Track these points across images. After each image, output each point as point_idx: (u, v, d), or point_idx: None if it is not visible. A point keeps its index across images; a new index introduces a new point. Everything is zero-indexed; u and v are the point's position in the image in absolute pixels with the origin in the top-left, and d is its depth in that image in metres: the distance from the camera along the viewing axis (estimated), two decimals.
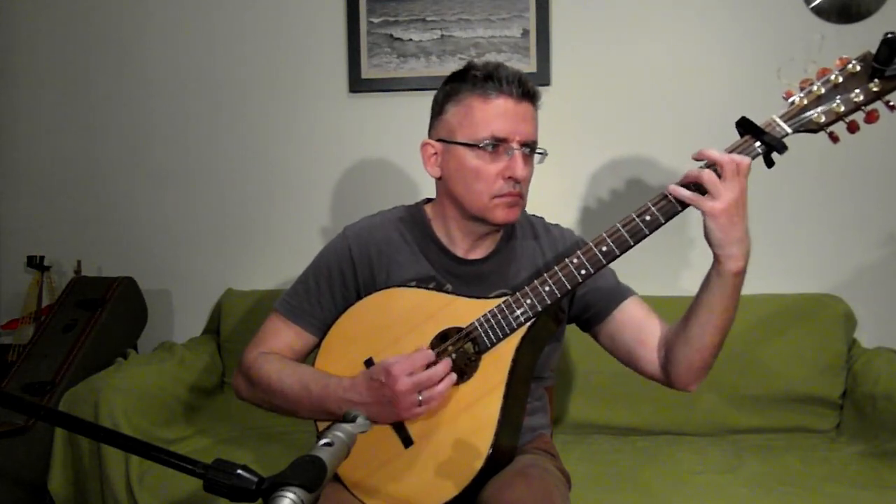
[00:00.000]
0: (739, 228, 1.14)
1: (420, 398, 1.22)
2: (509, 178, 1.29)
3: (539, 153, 1.34)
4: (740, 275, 1.18)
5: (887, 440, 1.88)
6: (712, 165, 1.15)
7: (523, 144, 1.30)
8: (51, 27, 2.53)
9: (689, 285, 2.27)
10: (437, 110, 1.37)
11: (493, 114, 1.28)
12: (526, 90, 1.30)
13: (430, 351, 1.26)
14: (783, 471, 1.80)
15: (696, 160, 1.17)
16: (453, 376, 1.25)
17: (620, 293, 1.39)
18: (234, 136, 2.48)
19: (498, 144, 1.29)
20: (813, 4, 2.24)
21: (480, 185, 1.30)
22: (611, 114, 2.34)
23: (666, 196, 1.18)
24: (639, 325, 1.36)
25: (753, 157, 1.16)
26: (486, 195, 1.30)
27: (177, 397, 2.10)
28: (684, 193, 1.16)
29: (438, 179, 1.39)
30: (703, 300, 1.22)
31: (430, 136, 1.39)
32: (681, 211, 1.18)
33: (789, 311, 2.14)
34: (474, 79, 1.30)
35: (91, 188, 2.55)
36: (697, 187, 1.15)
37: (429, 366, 1.24)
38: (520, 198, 1.32)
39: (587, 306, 1.40)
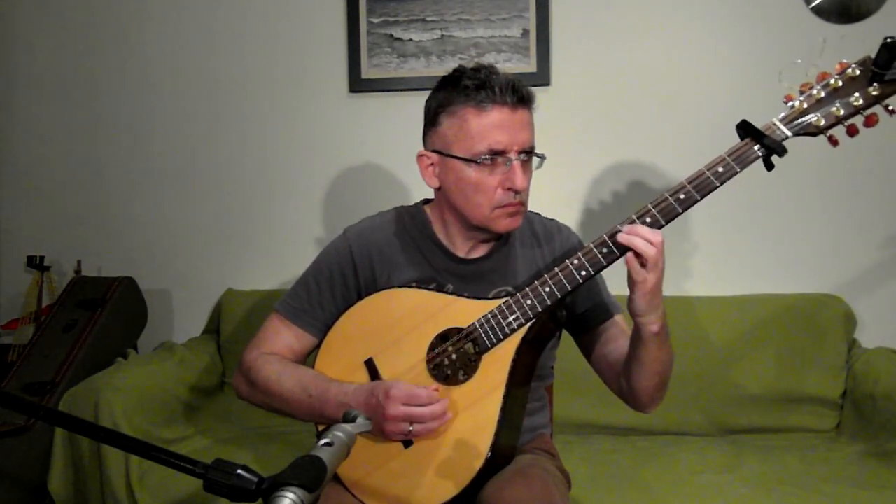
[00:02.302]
0: (658, 298, 1.19)
1: (410, 429, 1.23)
2: (509, 189, 1.28)
3: (537, 157, 1.33)
4: (660, 334, 1.21)
5: (887, 440, 1.88)
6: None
7: (521, 151, 1.29)
8: (51, 28, 2.53)
9: (689, 286, 2.27)
10: (431, 119, 1.34)
11: (488, 126, 1.26)
12: (521, 96, 1.27)
13: (436, 392, 1.25)
14: (783, 471, 1.80)
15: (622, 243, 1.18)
16: (449, 415, 1.25)
17: (610, 309, 1.41)
18: (234, 136, 2.48)
19: (496, 157, 1.27)
20: (813, 4, 2.24)
21: (480, 198, 1.29)
22: (610, 114, 2.34)
23: (666, 198, 1.18)
24: (614, 345, 1.38)
25: (754, 160, 1.17)
26: (487, 207, 1.30)
27: (177, 397, 2.10)
28: (636, 244, 1.15)
29: (437, 189, 1.38)
30: (633, 355, 1.26)
31: (425, 145, 1.37)
32: (681, 213, 1.19)
33: (789, 311, 2.14)
34: (467, 89, 1.27)
35: (91, 188, 2.55)
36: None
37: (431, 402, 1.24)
38: (521, 206, 1.32)
39: (576, 315, 1.42)
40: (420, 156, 1.36)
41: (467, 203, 1.31)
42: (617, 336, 1.39)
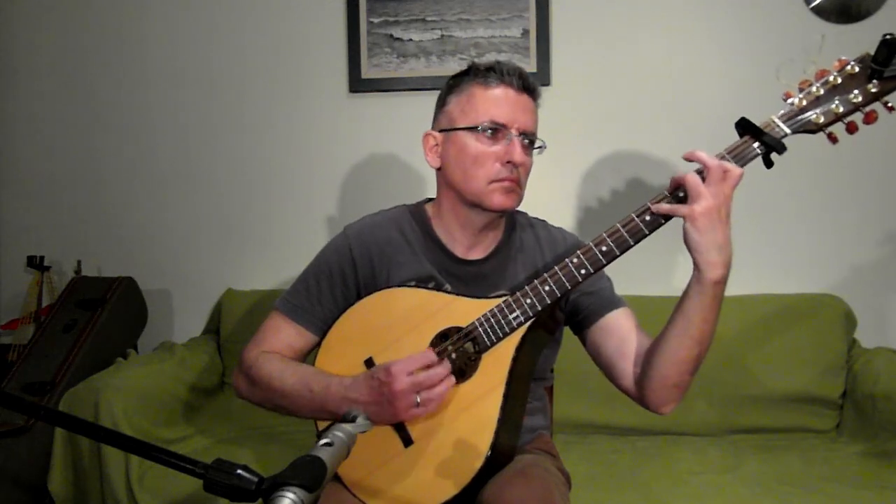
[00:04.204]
0: (720, 234, 1.12)
1: (419, 399, 1.22)
2: (508, 162, 1.30)
3: (538, 146, 1.36)
4: (720, 284, 1.15)
5: (887, 440, 1.88)
6: (701, 170, 1.14)
7: (522, 133, 1.32)
8: (51, 27, 2.53)
9: None
10: (440, 104, 1.40)
11: (493, 100, 1.32)
12: (526, 84, 1.34)
13: (432, 352, 1.26)
14: (783, 471, 1.80)
15: (687, 160, 1.16)
16: (453, 378, 1.24)
17: (612, 302, 1.37)
18: (234, 137, 2.48)
19: (497, 130, 1.31)
20: (813, 4, 2.24)
21: (478, 170, 1.31)
22: (611, 113, 2.34)
23: (666, 196, 1.18)
24: (623, 337, 1.32)
25: (753, 158, 1.16)
26: (484, 179, 1.31)
27: (177, 397, 2.10)
28: (664, 208, 1.15)
29: (438, 170, 1.40)
30: (681, 309, 1.19)
31: (432, 128, 1.42)
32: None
33: (789, 311, 2.14)
34: (477, 71, 1.34)
35: (91, 188, 2.55)
36: (682, 196, 1.15)
37: (430, 367, 1.23)
38: (517, 185, 1.33)
39: (577, 310, 1.39)
40: (426, 135, 1.40)
41: (465, 175, 1.33)
42: (629, 329, 1.33)
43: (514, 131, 1.31)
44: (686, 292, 1.19)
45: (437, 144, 1.39)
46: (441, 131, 1.38)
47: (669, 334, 1.21)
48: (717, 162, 1.13)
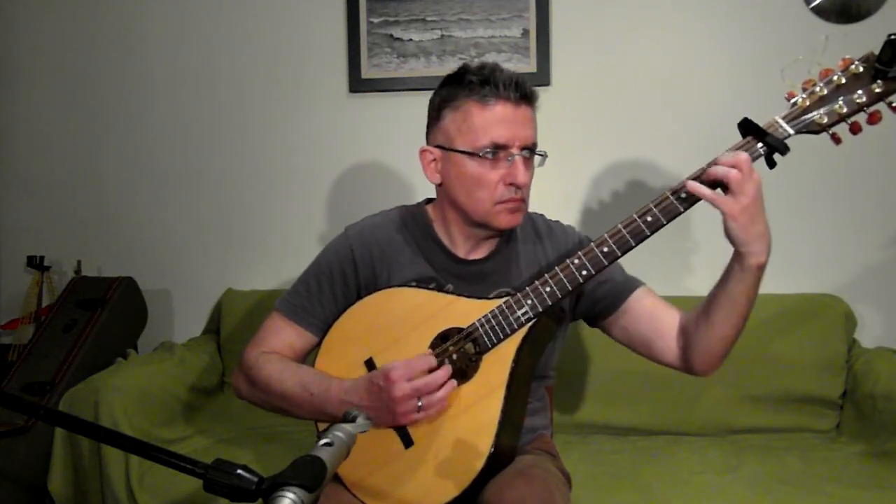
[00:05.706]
0: (760, 224, 1.14)
1: (419, 404, 1.22)
2: (511, 184, 1.29)
3: (539, 155, 1.34)
4: (762, 268, 1.17)
5: (887, 440, 1.88)
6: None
7: (523, 148, 1.30)
8: (51, 27, 2.53)
9: (691, 285, 2.26)
10: (434, 116, 1.36)
11: (492, 120, 1.27)
12: (524, 93, 1.29)
13: (433, 356, 1.25)
14: (783, 471, 1.80)
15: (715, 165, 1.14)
16: (453, 382, 1.24)
17: (630, 285, 1.39)
18: (234, 136, 2.48)
19: (498, 151, 1.28)
20: (813, 4, 2.24)
21: (482, 193, 1.30)
22: (611, 114, 2.33)
23: (667, 197, 1.18)
24: (653, 316, 1.35)
25: (755, 159, 1.15)
26: (489, 202, 1.30)
27: (177, 397, 2.10)
28: (704, 192, 1.14)
29: (439, 185, 1.38)
30: (726, 291, 1.22)
31: (427, 141, 1.38)
32: (682, 212, 1.18)
33: (789, 311, 2.14)
34: (471, 84, 1.29)
35: (91, 188, 2.55)
36: (714, 185, 1.14)
37: (431, 371, 1.23)
38: (522, 202, 1.32)
39: (596, 301, 1.39)
40: (422, 151, 1.37)
41: (469, 198, 1.31)
42: (655, 306, 1.36)
43: (515, 150, 1.28)
44: (728, 276, 1.21)
45: (435, 160, 1.35)
46: (438, 147, 1.34)
47: (715, 315, 1.24)
48: (744, 156, 1.12)
